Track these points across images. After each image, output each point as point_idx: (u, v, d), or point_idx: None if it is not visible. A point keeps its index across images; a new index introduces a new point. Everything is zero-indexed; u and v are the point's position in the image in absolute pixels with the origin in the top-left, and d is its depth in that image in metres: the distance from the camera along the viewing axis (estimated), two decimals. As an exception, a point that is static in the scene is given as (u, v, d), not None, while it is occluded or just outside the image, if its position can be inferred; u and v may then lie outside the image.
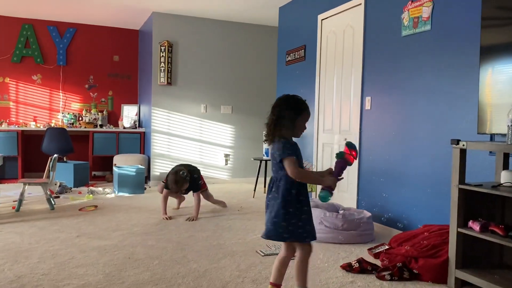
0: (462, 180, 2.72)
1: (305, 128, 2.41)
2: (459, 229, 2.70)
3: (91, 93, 7.83)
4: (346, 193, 4.77)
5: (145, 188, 6.30)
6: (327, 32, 5.18)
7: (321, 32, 5.28)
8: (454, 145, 2.73)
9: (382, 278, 2.85)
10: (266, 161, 6.16)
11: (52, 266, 2.98)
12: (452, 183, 2.75)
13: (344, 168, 2.33)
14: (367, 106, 4.40)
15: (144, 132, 7.54)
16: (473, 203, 2.75)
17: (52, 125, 7.32)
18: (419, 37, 3.80)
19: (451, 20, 3.49)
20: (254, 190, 6.08)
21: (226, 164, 7.45)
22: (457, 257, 2.72)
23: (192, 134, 7.20)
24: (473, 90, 3.18)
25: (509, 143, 2.49)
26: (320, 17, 5.29)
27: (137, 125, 7.79)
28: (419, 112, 3.80)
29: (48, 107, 7.58)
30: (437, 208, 3.57)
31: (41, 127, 7.18)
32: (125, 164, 6.67)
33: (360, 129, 4.52)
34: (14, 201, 4.98)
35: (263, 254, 3.34)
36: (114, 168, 6.27)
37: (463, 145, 2.68)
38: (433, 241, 2.98)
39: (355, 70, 4.64)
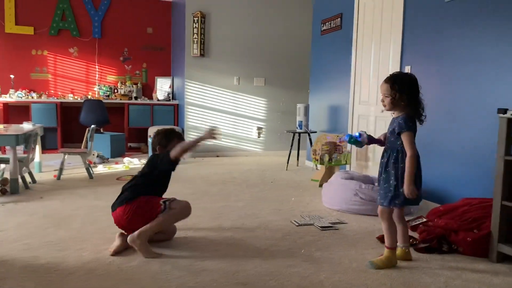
0: (508, 151, 2.60)
1: None
2: (503, 202, 2.60)
3: (125, 66, 7.92)
4: (381, 166, 4.68)
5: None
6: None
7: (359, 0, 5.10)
8: (501, 115, 2.60)
9: (420, 250, 2.80)
10: (299, 133, 6.10)
11: (93, 232, 3.08)
12: (498, 154, 2.63)
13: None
14: (406, 76, 4.25)
15: (177, 105, 7.59)
16: (520, 175, 2.63)
17: (89, 97, 7.48)
18: (465, 2, 3.60)
19: (501, -18, 3.28)
20: (287, 163, 6.06)
21: (258, 137, 7.44)
22: (500, 231, 2.63)
23: (225, 106, 7.20)
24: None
25: (562, 112, 2.35)
26: (357, -17, 5.09)
27: (171, 98, 7.85)
28: (463, 81, 3.64)
29: (84, 79, 7.73)
30: (477, 181, 3.45)
31: (79, 99, 7.35)
32: (159, 135, 6.76)
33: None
34: (55, 170, 5.16)
35: (297, 224, 3.34)
36: (149, 140, 6.37)
37: (511, 114, 2.55)
38: (474, 215, 2.89)
39: (394, 39, 4.47)
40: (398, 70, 4.37)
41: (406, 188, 2.40)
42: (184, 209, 2.78)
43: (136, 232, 2.63)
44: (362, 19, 5.03)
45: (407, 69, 4.24)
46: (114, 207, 2.81)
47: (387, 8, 4.60)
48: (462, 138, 3.64)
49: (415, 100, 2.45)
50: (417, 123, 2.50)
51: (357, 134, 2.58)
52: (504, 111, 2.58)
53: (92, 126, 5.21)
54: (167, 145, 2.89)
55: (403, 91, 2.42)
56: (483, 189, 3.30)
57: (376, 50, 4.78)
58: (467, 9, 3.57)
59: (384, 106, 2.52)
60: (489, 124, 3.28)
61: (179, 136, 2.98)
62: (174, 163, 2.78)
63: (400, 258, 2.61)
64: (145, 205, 2.73)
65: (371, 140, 2.61)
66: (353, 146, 5.14)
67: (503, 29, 3.26)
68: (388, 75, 2.55)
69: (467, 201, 3.15)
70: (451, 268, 2.56)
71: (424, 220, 3.23)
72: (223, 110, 7.20)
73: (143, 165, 2.97)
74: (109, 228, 3.15)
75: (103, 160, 6.16)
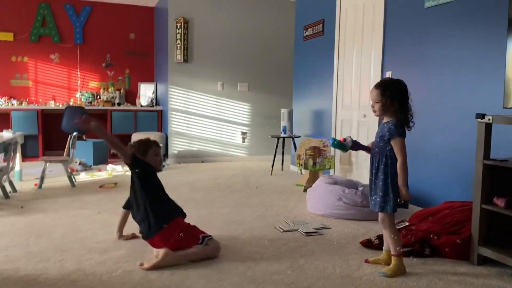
0: (487, 156, 2.65)
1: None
2: (483, 205, 2.65)
3: (108, 72, 7.85)
4: (365, 170, 4.72)
5: (163, 166, 6.35)
6: (346, 6, 5.05)
7: (341, 6, 5.15)
8: (479, 120, 2.65)
9: (402, 254, 2.82)
10: (283, 138, 6.12)
11: (75, 241, 3.03)
12: (477, 158, 2.68)
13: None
14: (388, 81, 4.30)
15: (161, 110, 7.55)
16: (498, 179, 2.68)
17: (71, 103, 7.39)
18: (443, 8, 3.66)
19: (478, -11, 3.35)
20: (272, 168, 6.06)
21: (243, 142, 7.44)
22: (480, 234, 2.68)
23: (209, 112, 7.18)
24: (500, 63, 3.07)
25: (537, 117, 2.40)
26: (339, -10, 5.15)
27: (154, 103, 7.80)
28: (442, 86, 3.70)
29: (66, 85, 7.64)
30: (458, 185, 3.51)
31: (60, 106, 7.25)
32: (143, 142, 6.68)
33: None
34: (36, 179, 5.08)
35: (282, 231, 3.34)
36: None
37: (489, 120, 2.60)
38: (455, 218, 2.94)
39: (375, 45, 4.52)
40: (379, 75, 4.43)
41: (400, 192, 2.43)
42: (215, 250, 2.79)
43: (173, 252, 2.63)
44: (344, 25, 5.08)
45: (388, 74, 4.30)
46: (148, 235, 2.73)
47: (368, 14, 4.66)
48: (444, 141, 3.69)
49: (405, 106, 2.47)
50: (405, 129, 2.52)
51: (343, 138, 2.59)
52: (482, 116, 2.63)
53: (74, 133, 5.14)
54: (146, 155, 2.87)
55: (393, 97, 2.44)
56: (465, 192, 3.35)
57: (358, 56, 4.83)
58: (447, 15, 3.64)
59: (374, 111, 2.53)
60: (470, 128, 3.33)
61: (156, 144, 2.96)
62: (132, 159, 2.79)
63: (386, 262, 2.64)
64: (186, 233, 2.74)
65: (357, 145, 2.61)
66: (337, 151, 5.19)
67: (481, 34, 3.33)
68: (379, 81, 2.58)
69: (449, 205, 3.20)
70: (433, 271, 2.59)
71: (407, 224, 3.26)
72: (207, 115, 7.18)
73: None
74: (91, 238, 3.12)
75: (85, 167, 6.09)
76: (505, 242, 2.70)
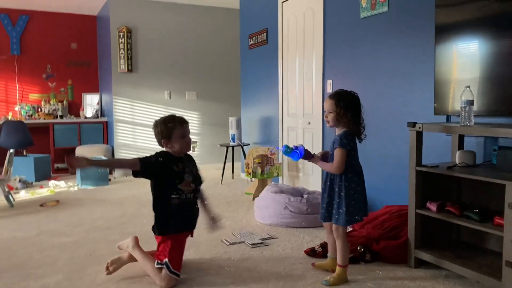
0: (419, 162, 2.76)
1: None
2: (417, 210, 2.75)
3: (49, 83, 7.53)
4: (311, 176, 4.80)
5: (110, 180, 6.16)
6: (288, 15, 5.12)
7: (282, 15, 5.22)
8: (410, 128, 2.76)
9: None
10: (233, 147, 6.11)
11: (8, 268, 2.87)
12: (410, 165, 2.78)
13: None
14: (329, 89, 4.40)
15: (106, 122, 7.34)
16: (431, 183, 2.79)
17: (9, 118, 7.02)
18: (377, 19, 3.79)
19: (408, 0, 3.49)
20: (222, 176, 6.04)
21: (193, 151, 7.35)
22: (416, 238, 2.78)
23: (157, 121, 7.05)
24: (430, 70, 3.21)
25: (462, 124, 2.53)
26: (280, -1, 5.22)
27: (99, 115, 7.57)
28: (379, 94, 3.82)
29: (4, 99, 7.26)
30: (398, 188, 3.63)
31: (-2, 120, 6.88)
32: (88, 155, 6.46)
33: (323, 112, 4.52)
34: (-30, 200, 4.79)
35: (228, 243, 3.32)
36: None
37: (419, 128, 2.71)
38: (394, 223, 3.03)
39: (316, 54, 4.61)
40: (321, 83, 4.52)
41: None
42: (164, 282, 2.53)
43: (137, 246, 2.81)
44: (286, 34, 5.15)
45: (329, 83, 4.39)
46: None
47: (308, 23, 4.74)
48: (382, 147, 3.81)
49: (357, 118, 2.53)
50: (357, 141, 2.58)
51: (294, 146, 2.59)
52: (413, 124, 2.74)
53: (11, 150, 4.89)
54: (171, 135, 2.58)
55: (347, 108, 2.49)
56: (404, 196, 3.46)
57: (301, 64, 4.91)
58: (380, 25, 3.77)
59: (328, 122, 2.57)
60: (405, 134, 3.46)
61: (181, 122, 2.63)
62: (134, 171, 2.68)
63: (331, 268, 2.69)
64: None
65: (308, 155, 2.59)
66: (285, 157, 5.24)
67: (410, 43, 3.47)
68: (333, 91, 2.63)
69: (388, 209, 3.30)
70: (373, 277, 2.66)
71: (350, 229, 3.34)
72: (155, 125, 7.04)
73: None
74: (26, 263, 2.96)
75: (26, 185, 5.81)
76: (440, 244, 2.81)
